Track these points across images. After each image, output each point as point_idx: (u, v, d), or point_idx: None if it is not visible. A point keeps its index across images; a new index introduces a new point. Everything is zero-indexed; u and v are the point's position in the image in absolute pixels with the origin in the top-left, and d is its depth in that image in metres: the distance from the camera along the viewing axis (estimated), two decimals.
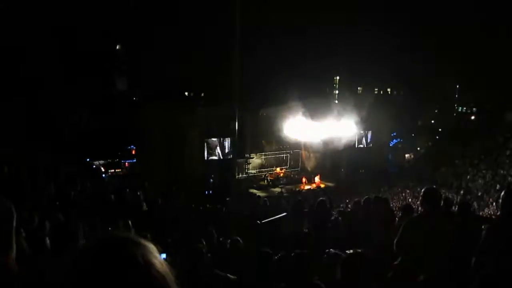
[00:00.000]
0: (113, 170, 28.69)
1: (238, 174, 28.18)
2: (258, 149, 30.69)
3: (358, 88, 70.34)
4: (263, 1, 39.35)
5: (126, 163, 30.34)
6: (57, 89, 31.32)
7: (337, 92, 67.55)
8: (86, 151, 29.36)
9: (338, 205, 18.17)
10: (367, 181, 28.50)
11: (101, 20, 32.88)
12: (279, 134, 30.13)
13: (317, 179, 30.66)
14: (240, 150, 27.36)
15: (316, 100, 39.63)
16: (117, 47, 38.55)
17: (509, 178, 20.31)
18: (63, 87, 31.33)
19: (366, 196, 8.06)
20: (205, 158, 26.89)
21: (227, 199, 16.68)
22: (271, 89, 36.92)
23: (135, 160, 30.11)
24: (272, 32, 46.42)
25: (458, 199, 16.69)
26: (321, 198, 8.49)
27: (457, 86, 67.43)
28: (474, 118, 45.54)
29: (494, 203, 16.62)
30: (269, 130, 29.58)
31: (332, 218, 7.94)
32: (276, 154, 32.31)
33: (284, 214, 10.13)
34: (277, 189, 27.59)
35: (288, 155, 33.39)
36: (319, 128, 30.21)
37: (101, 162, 29.36)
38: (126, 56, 37.78)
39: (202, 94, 46.97)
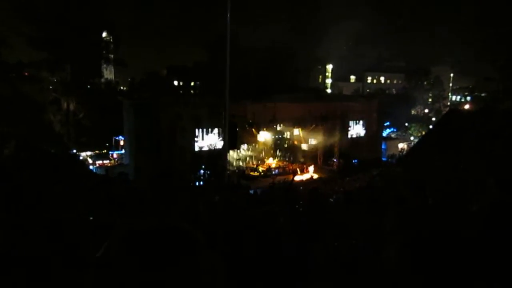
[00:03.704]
0: (101, 162, 28.46)
1: (229, 165, 28.05)
2: (250, 139, 30.56)
3: (351, 77, 70.50)
4: None
5: (114, 154, 30.10)
6: (43, 78, 30.86)
7: (330, 81, 67.49)
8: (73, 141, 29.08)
9: (331, 196, 18.12)
10: (360, 171, 28.56)
11: (87, 6, 32.30)
12: (271, 124, 30.01)
13: (311, 169, 30.70)
14: (231, 140, 27.24)
15: (309, 89, 39.61)
16: (104, 35, 37.98)
17: None
18: (49, 76, 30.88)
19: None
20: (195, 148, 26.72)
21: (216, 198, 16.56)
22: (262, 78, 36.76)
23: (123, 151, 29.86)
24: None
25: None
26: (313, 187, 8.44)
27: (451, 75, 67.83)
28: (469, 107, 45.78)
29: None
30: (261, 120, 29.43)
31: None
32: (268, 144, 32.22)
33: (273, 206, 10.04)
34: (269, 180, 27.52)
35: (281, 145, 33.32)
36: (312, 118, 30.21)
37: (88, 153, 29.11)
38: (113, 44, 37.21)
39: (192, 83, 46.66)
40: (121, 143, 30.75)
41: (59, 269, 0.98)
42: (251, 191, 17.43)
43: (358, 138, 33.38)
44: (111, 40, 37.98)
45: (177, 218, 1.08)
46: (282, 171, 30.71)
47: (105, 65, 38.74)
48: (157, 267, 0.93)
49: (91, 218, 5.86)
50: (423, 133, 44.74)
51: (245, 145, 29.92)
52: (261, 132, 30.81)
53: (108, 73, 44.55)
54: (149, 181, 18.73)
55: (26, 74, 31.08)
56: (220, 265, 1.04)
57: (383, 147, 37.85)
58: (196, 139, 26.71)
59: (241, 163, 30.72)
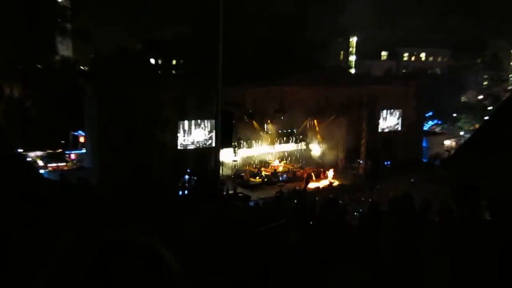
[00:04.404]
0: (54, 165, 28.42)
1: (223, 168, 28.05)
2: (250, 135, 30.51)
3: (382, 54, 70.33)
4: None
5: (72, 155, 30.07)
6: None
7: (354, 58, 67.38)
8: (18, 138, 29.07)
9: (356, 209, 18.15)
10: (395, 176, 28.55)
11: None
12: (278, 115, 29.93)
13: (329, 174, 30.56)
14: (226, 136, 27.25)
15: (327, 68, 39.52)
16: None
17: None
18: None
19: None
20: (178, 146, 26.72)
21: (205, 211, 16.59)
22: (265, 55, 36.67)
23: (84, 151, 29.81)
24: None
25: None
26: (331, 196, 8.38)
27: None
28: None
29: None
30: (265, 109, 29.37)
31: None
32: (273, 141, 32.18)
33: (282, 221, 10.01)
34: (275, 188, 27.50)
35: (290, 142, 33.25)
36: (331, 106, 30.15)
37: (38, 153, 29.08)
38: (70, 10, 37.09)
39: (174, 62, 46.61)
40: (81, 140, 30.68)
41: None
42: (251, 203, 17.38)
43: (392, 133, 33.30)
44: (68, 6, 37.86)
45: (144, 233, 1.11)
46: (292, 176, 30.64)
47: (60, 38, 38.59)
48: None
49: (40, 231, 5.86)
50: (477, 126, 44.62)
51: (244, 141, 29.89)
52: (265, 125, 30.78)
53: (65, 49, 44.37)
54: (116, 189, 18.68)
55: None
56: None
57: (424, 144, 37.78)
58: (179, 134, 26.69)
59: (238, 166, 30.67)
